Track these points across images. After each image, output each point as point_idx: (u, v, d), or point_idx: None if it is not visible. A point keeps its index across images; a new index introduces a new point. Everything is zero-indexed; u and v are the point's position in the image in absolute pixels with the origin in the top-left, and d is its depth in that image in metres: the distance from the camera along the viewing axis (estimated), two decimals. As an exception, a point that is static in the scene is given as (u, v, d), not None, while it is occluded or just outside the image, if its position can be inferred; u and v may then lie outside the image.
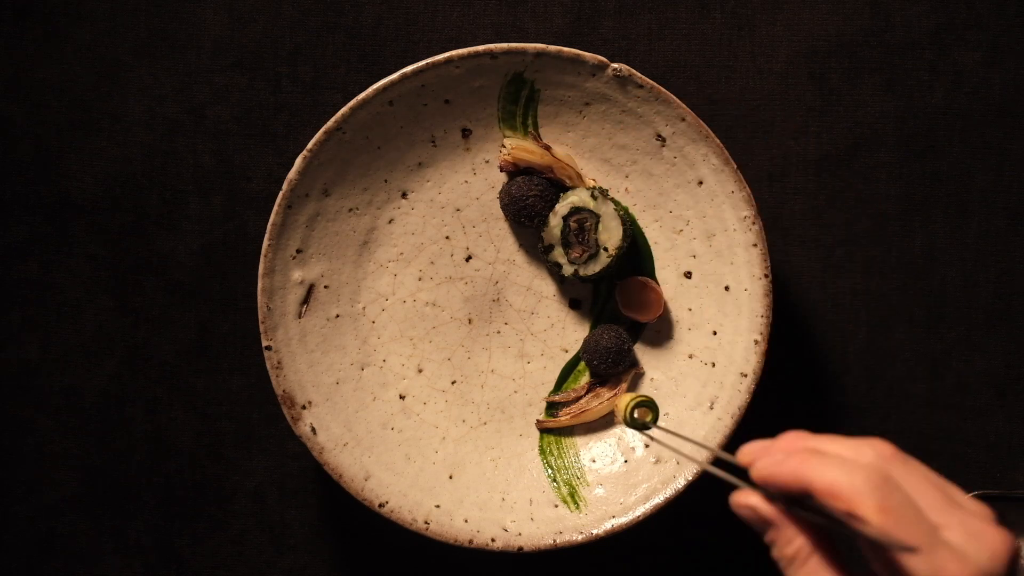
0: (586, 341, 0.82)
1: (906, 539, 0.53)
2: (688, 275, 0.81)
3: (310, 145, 0.78)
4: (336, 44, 0.85)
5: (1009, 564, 0.54)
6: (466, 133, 0.81)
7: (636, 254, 0.82)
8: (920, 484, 0.55)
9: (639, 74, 0.78)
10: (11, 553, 0.86)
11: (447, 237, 0.82)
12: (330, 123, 0.78)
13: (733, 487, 0.59)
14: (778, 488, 0.56)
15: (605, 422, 0.82)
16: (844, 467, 0.54)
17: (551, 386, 0.83)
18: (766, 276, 0.78)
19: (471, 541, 0.79)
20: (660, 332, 0.82)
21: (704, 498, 0.84)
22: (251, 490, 0.86)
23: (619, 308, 0.82)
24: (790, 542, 0.57)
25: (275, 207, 0.78)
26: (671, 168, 0.80)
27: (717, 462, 0.73)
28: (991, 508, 0.56)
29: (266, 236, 0.79)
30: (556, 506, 0.80)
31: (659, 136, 0.79)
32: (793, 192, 0.85)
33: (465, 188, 0.82)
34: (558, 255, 0.80)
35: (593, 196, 0.79)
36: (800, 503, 0.56)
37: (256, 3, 0.85)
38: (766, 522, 0.57)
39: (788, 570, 0.57)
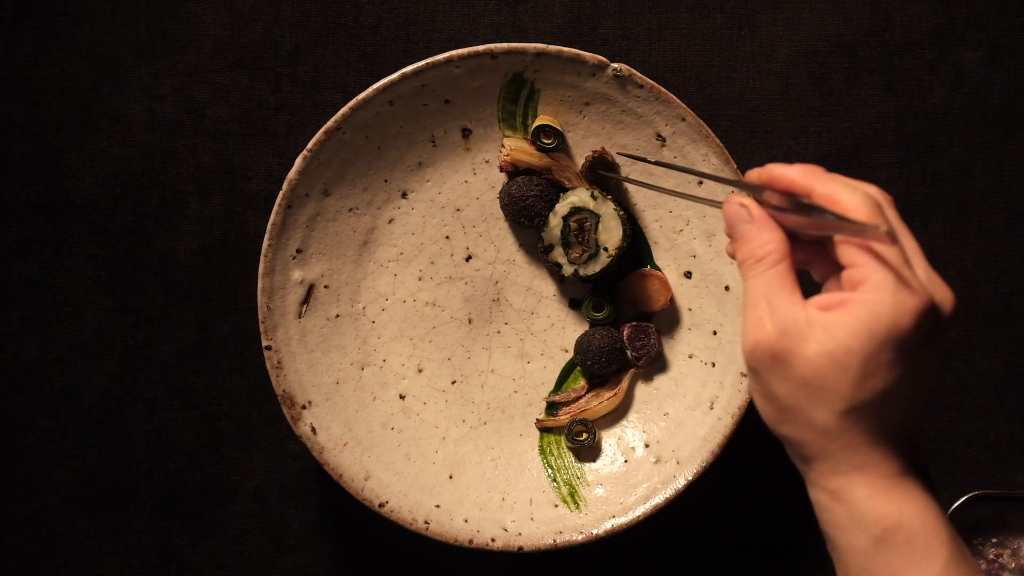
0: (578, 342, 0.82)
1: (885, 255, 0.57)
2: (688, 275, 0.81)
3: (310, 145, 0.78)
4: (336, 44, 0.85)
5: (954, 318, 0.58)
6: (466, 133, 0.81)
7: (636, 253, 0.82)
8: (904, 231, 0.59)
9: (639, 74, 0.78)
10: (11, 553, 0.86)
11: (447, 237, 0.82)
12: (330, 123, 0.78)
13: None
14: (782, 187, 0.60)
15: (605, 422, 0.82)
16: (848, 185, 0.59)
17: (551, 386, 0.83)
18: (766, 276, 0.78)
19: (471, 541, 0.79)
20: (660, 332, 0.82)
21: (704, 498, 0.84)
22: (251, 490, 0.86)
23: (624, 305, 0.82)
24: (766, 243, 0.60)
25: (275, 207, 0.78)
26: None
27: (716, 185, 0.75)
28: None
29: (266, 236, 0.79)
30: (556, 506, 0.80)
31: (659, 136, 0.79)
32: (793, 192, 0.85)
33: (465, 188, 0.82)
34: (558, 255, 0.80)
35: (593, 196, 0.79)
36: (802, 204, 0.60)
37: (256, 3, 0.85)
38: (748, 220, 0.61)
39: (753, 269, 0.60)
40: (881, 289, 0.56)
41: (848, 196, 0.58)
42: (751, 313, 0.59)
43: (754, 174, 0.62)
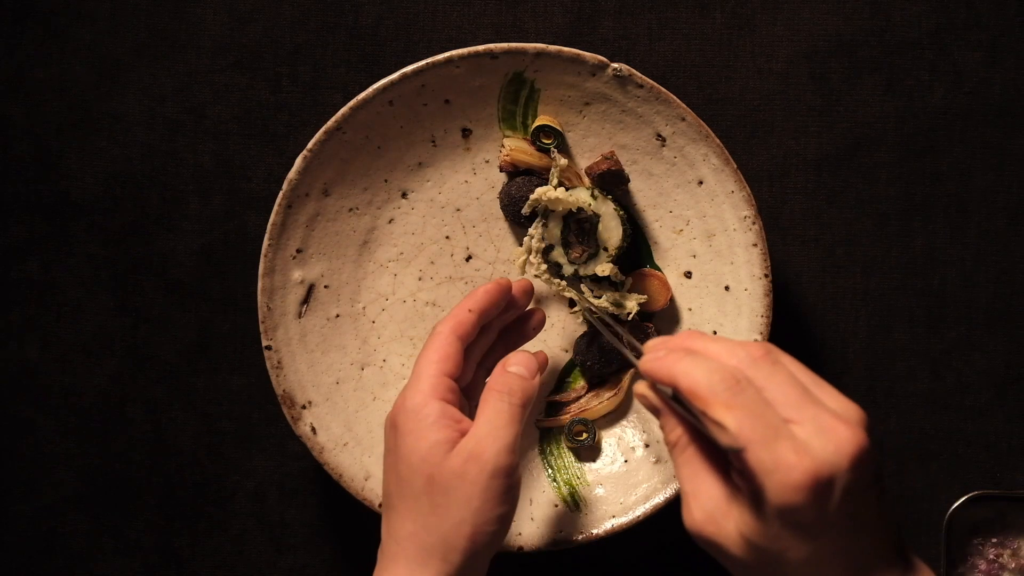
0: (578, 342, 0.81)
1: (750, 435, 0.55)
2: (688, 275, 0.81)
3: (310, 145, 0.78)
4: (336, 44, 0.85)
5: (857, 461, 0.55)
6: (466, 133, 0.81)
7: (636, 253, 0.82)
8: (782, 383, 0.57)
9: (639, 74, 0.78)
10: (11, 553, 0.86)
11: (447, 237, 0.82)
12: (330, 123, 0.78)
13: None
14: (657, 381, 0.60)
15: (605, 422, 0.82)
16: (707, 366, 0.57)
17: (551, 386, 0.83)
18: (766, 276, 0.78)
19: (471, 541, 0.79)
20: (660, 332, 0.82)
21: (704, 498, 0.84)
22: (251, 490, 0.86)
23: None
24: (672, 430, 0.61)
25: (275, 207, 0.78)
26: (671, 168, 0.80)
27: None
28: (862, 410, 0.58)
29: (266, 236, 0.79)
30: (556, 506, 0.80)
31: (659, 136, 0.79)
32: (793, 192, 0.85)
33: (465, 188, 0.82)
34: (558, 255, 0.80)
35: (593, 196, 0.79)
36: (678, 398, 0.59)
37: (256, 3, 0.85)
38: (656, 409, 0.61)
39: (672, 454, 0.61)
40: (758, 473, 0.55)
41: (707, 382, 0.56)
42: (682, 498, 0.60)
43: (646, 351, 0.61)
